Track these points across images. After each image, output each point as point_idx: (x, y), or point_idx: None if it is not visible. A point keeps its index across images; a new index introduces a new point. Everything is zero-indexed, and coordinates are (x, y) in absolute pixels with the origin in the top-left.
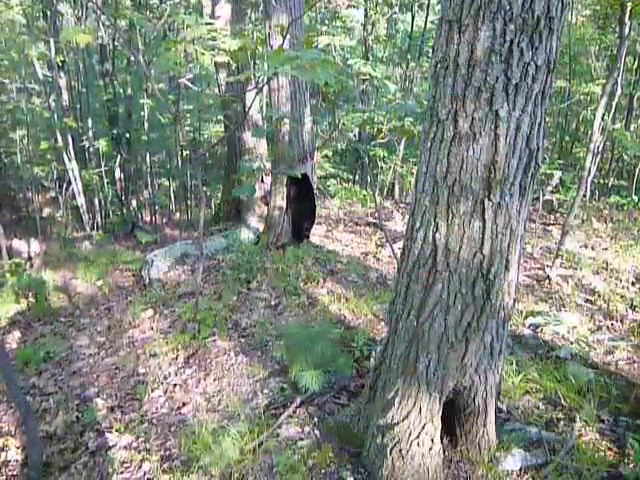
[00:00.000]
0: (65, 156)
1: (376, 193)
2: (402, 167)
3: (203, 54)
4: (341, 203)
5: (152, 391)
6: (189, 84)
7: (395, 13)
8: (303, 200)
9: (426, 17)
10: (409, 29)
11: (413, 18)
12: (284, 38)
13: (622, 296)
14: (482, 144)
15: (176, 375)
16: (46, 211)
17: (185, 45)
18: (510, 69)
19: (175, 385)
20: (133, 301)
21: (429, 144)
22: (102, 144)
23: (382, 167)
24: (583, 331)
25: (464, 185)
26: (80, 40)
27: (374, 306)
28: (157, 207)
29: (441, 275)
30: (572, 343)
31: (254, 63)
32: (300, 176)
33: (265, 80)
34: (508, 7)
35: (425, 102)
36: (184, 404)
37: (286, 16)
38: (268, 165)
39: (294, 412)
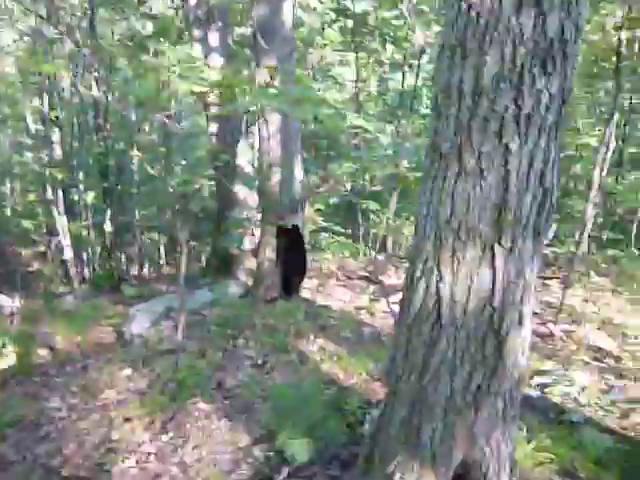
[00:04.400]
0: (55, 209)
1: (369, 246)
2: (395, 222)
3: (193, 84)
4: (333, 257)
5: (123, 461)
6: (166, 120)
7: (384, 72)
8: (294, 252)
9: (417, 74)
10: (399, 86)
11: (403, 76)
12: (272, 78)
13: (631, 353)
14: (491, 181)
15: (151, 442)
16: (35, 265)
17: (161, 72)
18: (521, 97)
19: (149, 454)
20: (112, 358)
21: (430, 183)
22: (90, 197)
23: (374, 220)
24: (594, 392)
25: (471, 228)
26: (50, 70)
27: (368, 364)
28: (146, 261)
29: (446, 331)
30: (584, 406)
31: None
32: (290, 226)
33: (256, 118)
34: (518, 29)
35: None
36: (158, 476)
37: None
38: (258, 217)
39: None
